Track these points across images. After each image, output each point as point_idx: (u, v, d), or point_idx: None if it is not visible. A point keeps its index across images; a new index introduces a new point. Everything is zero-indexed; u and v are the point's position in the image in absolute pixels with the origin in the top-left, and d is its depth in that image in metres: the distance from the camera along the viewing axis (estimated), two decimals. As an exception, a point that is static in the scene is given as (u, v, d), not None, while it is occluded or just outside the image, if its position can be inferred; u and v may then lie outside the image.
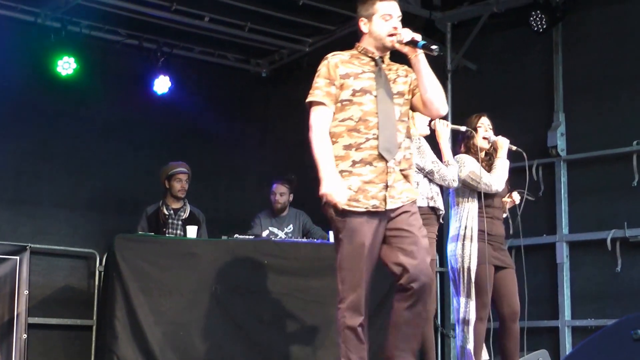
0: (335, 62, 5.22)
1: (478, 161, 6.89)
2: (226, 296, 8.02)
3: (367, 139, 5.13)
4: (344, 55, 5.29)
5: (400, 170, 5.22)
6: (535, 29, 9.37)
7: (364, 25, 5.31)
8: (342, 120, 5.18)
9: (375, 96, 5.17)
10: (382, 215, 5.15)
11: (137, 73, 11.00)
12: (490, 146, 7.10)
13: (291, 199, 9.69)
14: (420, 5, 10.53)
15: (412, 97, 5.31)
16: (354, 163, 5.12)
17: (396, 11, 5.29)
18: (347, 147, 5.14)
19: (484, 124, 7.08)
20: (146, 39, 11.01)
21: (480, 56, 10.30)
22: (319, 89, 5.20)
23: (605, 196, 9.18)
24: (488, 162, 7.06)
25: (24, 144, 10.26)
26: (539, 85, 9.79)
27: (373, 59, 5.28)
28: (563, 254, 9.27)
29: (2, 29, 9.92)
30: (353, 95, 5.18)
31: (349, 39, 11.21)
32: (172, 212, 9.18)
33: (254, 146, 12.11)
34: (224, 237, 8.41)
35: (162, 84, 10.97)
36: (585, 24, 9.54)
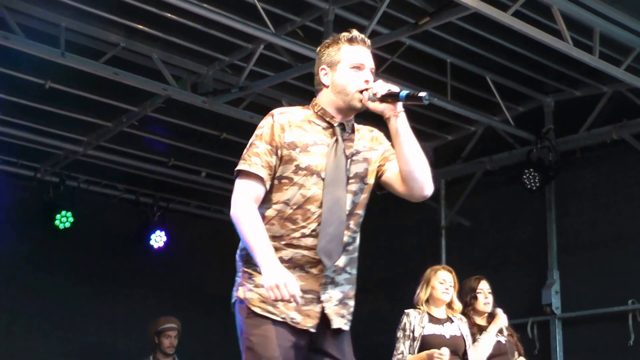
0: (282, 124, 3.85)
1: (473, 325, 6.84)
2: None
3: (303, 235, 3.80)
4: (296, 115, 3.91)
5: (346, 280, 3.94)
6: (529, 186, 9.48)
7: (324, 75, 3.92)
8: (276, 203, 3.83)
9: (323, 179, 3.81)
10: (306, 336, 3.84)
11: (134, 228, 11.11)
12: (492, 308, 7.02)
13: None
14: (414, 162, 10.69)
15: (381, 175, 3.98)
16: (281, 261, 3.74)
17: (369, 60, 3.93)
18: (277, 239, 3.81)
19: (484, 290, 6.96)
20: (143, 194, 11.16)
21: (474, 213, 10.40)
22: (257, 156, 3.82)
23: (602, 356, 9.09)
24: (491, 321, 6.98)
25: (18, 298, 10.25)
26: (533, 242, 9.84)
27: (331, 126, 3.90)
28: (561, 415, 9.17)
29: (2, 184, 10.07)
30: (296, 173, 3.81)
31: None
32: (162, 367, 9.07)
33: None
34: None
35: (158, 239, 11.03)
36: (577, 183, 9.67)
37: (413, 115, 10.11)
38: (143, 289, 11.05)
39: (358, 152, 3.92)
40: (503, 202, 10.22)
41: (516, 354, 7.02)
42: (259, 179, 3.80)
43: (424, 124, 10.32)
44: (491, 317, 6.98)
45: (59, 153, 10.20)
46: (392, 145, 3.91)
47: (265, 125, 3.87)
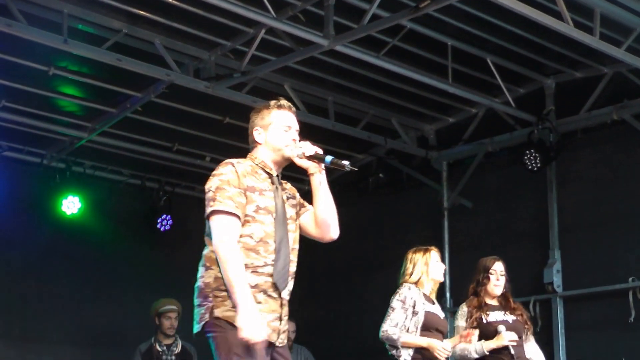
0: (242, 171, 4.52)
1: (481, 306, 6.92)
2: None
3: (265, 264, 4.48)
4: (245, 165, 4.59)
5: (289, 303, 4.62)
6: (530, 167, 9.54)
7: (258, 135, 4.69)
8: (241, 236, 4.45)
9: (275, 218, 4.56)
10: (271, 350, 4.51)
11: (140, 212, 11.18)
12: (504, 291, 7.08)
13: (293, 334, 9.73)
14: (416, 144, 10.78)
15: (298, 218, 4.75)
16: (250, 287, 4.38)
17: (295, 123, 4.73)
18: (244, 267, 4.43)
19: (497, 272, 7.04)
20: (149, 179, 11.23)
21: (475, 194, 10.47)
22: (231, 199, 4.42)
23: (603, 332, 9.19)
24: (504, 304, 7.04)
25: (29, 282, 10.36)
26: (534, 222, 9.90)
27: (270, 176, 4.65)
28: (562, 391, 9.26)
29: (9, 170, 10.14)
30: (256, 212, 4.50)
31: (347, 177, 11.53)
32: (165, 348, 9.19)
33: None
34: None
35: (164, 223, 11.12)
36: (578, 163, 9.72)
37: (415, 98, 10.21)
38: (150, 272, 11.13)
39: (289, 198, 4.72)
40: (505, 183, 10.28)
41: (528, 333, 7.08)
42: (236, 217, 4.43)
43: (426, 106, 10.38)
44: (503, 298, 7.03)
45: (64, 139, 10.28)
46: (313, 197, 4.68)
47: (228, 172, 4.51)
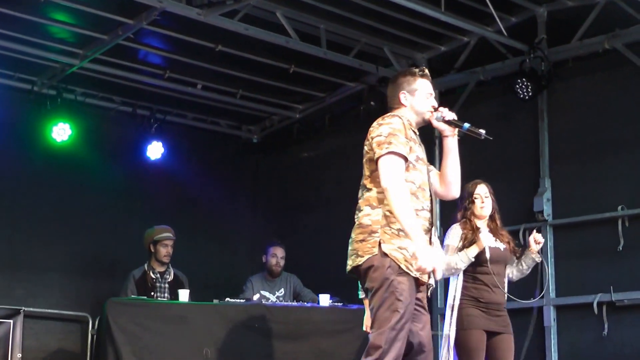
0: (407, 124, 5.16)
1: (474, 229, 6.95)
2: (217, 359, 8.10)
3: (423, 208, 5.10)
4: (406, 120, 5.21)
5: None
6: (521, 96, 9.55)
7: (404, 98, 5.31)
8: (407, 182, 5.05)
9: (427, 169, 5.26)
10: (417, 287, 5.08)
11: (131, 139, 11.20)
12: (493, 211, 7.11)
13: (282, 262, 9.82)
14: (408, 73, 10.74)
15: None
16: None
17: (433, 90, 5.42)
18: None
19: (481, 195, 7.05)
20: (140, 106, 11.23)
21: (467, 123, 10.46)
22: (403, 145, 5.06)
23: (591, 260, 9.28)
24: (492, 229, 7.07)
25: (18, 209, 10.40)
26: (525, 151, 9.94)
27: (414, 134, 5.25)
28: (550, 317, 9.35)
29: (-1, 97, 10.12)
30: (417, 161, 5.15)
31: (339, 105, 11.54)
32: (158, 275, 9.28)
33: (244, 211, 12.24)
34: (216, 301, 8.50)
35: (155, 150, 11.15)
36: (569, 92, 9.72)
37: (407, 26, 10.12)
38: (141, 199, 11.20)
39: None
40: (496, 111, 10.28)
41: (514, 258, 7.18)
42: (404, 158, 5.02)
43: (418, 34, 10.33)
44: (491, 221, 7.07)
45: (55, 66, 10.23)
46: (443, 157, 5.38)
47: (397, 123, 5.10)
